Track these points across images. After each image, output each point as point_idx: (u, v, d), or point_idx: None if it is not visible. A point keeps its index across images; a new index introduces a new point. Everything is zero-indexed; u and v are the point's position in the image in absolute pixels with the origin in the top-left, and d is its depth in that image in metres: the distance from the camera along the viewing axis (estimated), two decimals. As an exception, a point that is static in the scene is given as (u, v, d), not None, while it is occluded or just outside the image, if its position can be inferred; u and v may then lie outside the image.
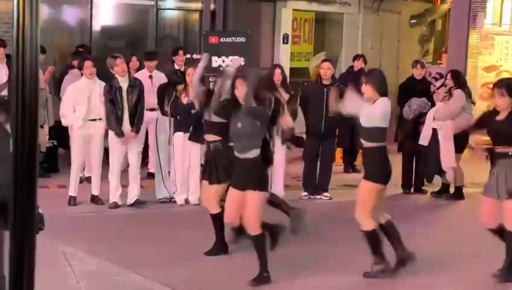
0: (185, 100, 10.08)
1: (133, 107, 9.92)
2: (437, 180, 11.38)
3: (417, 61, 12.63)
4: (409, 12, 21.76)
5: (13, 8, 2.33)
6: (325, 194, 11.04)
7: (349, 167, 13.33)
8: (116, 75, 9.94)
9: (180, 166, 10.17)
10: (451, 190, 11.44)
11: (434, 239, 8.95)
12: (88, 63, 10.21)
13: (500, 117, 7.21)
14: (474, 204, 11.16)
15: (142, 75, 11.30)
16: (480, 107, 16.00)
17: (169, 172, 10.41)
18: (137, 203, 9.97)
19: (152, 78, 11.54)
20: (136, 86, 10.02)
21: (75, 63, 11.80)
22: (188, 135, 10.06)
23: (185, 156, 10.16)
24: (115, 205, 9.98)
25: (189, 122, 10.03)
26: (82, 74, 10.43)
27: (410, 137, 11.34)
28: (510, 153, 7.14)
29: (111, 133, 10.04)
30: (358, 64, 13.63)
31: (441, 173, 11.17)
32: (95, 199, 10.28)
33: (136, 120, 9.97)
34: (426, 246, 8.30)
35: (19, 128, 2.25)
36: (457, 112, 10.90)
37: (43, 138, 11.67)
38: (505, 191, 7.12)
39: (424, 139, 10.88)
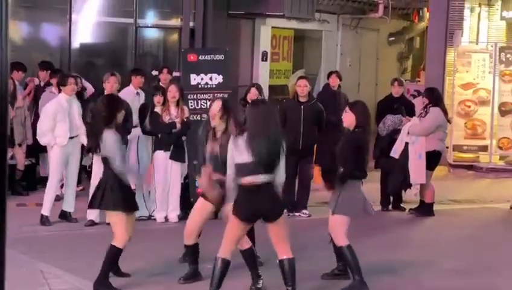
0: (166, 118, 10.07)
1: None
2: (417, 197, 11.37)
3: (395, 79, 12.66)
4: (387, 30, 21.94)
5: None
6: (304, 211, 11.04)
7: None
8: (105, 92, 9.95)
9: (160, 184, 10.16)
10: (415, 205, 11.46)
11: (407, 256, 8.95)
12: (72, 80, 10.24)
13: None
14: (449, 221, 11.26)
15: (128, 91, 11.04)
16: (458, 124, 16.14)
17: (149, 192, 10.37)
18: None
19: (139, 95, 11.33)
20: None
21: (53, 80, 11.69)
22: (168, 153, 10.07)
23: (166, 174, 10.15)
24: (92, 223, 9.93)
25: (170, 141, 10.04)
26: (60, 90, 10.30)
27: (386, 153, 11.32)
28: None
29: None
30: (335, 81, 13.33)
31: (405, 187, 11.18)
32: (66, 216, 10.14)
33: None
34: (396, 262, 8.38)
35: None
36: (432, 130, 10.96)
37: (21, 156, 11.62)
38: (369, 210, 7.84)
39: (395, 152, 10.89)
